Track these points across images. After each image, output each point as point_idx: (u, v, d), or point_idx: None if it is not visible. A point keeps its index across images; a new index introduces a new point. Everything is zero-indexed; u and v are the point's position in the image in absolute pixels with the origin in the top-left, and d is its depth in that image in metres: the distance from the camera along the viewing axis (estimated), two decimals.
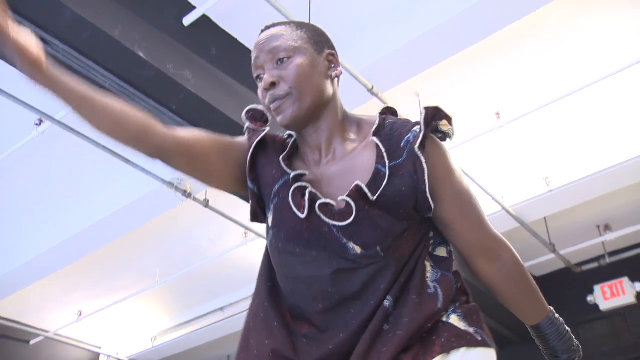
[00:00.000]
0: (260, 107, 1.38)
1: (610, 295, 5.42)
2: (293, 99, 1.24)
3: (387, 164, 1.20)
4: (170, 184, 4.17)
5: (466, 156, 4.38)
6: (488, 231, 1.29)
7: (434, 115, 1.23)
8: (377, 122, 1.28)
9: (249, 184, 1.32)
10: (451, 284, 1.24)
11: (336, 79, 1.33)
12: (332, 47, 1.34)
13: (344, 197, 1.19)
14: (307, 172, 1.27)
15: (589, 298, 5.53)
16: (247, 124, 1.40)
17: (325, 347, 1.20)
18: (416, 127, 1.23)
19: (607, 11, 3.59)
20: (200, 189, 4.34)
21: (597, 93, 4.05)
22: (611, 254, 5.76)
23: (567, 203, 4.84)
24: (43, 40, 2.61)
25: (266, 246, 1.33)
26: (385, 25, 3.38)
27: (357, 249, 1.19)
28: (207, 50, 3.24)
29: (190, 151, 1.28)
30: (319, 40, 1.31)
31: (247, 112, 1.40)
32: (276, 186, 1.28)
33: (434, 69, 3.55)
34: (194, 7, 3.22)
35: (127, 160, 3.91)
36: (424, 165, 1.19)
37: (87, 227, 4.55)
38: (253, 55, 1.30)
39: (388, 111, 1.36)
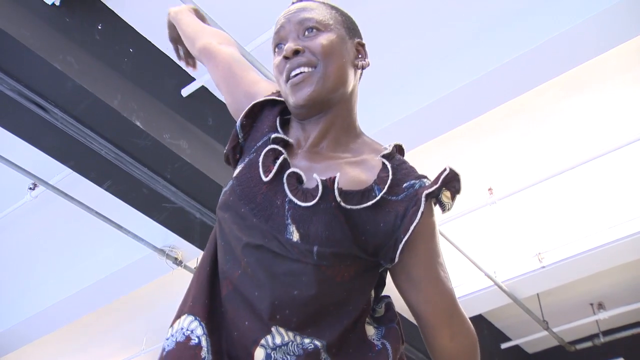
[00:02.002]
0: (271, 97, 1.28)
1: None
2: (318, 75, 1.14)
3: (383, 190, 1.08)
4: (161, 251, 4.14)
5: (459, 231, 4.37)
6: (456, 301, 1.16)
7: (450, 181, 1.11)
8: (390, 150, 1.17)
9: (238, 127, 1.23)
10: (398, 335, 1.15)
11: (360, 71, 1.25)
12: (362, 38, 1.26)
13: (319, 178, 1.06)
14: (292, 141, 1.17)
15: None
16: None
17: (232, 332, 1.09)
18: (425, 180, 1.11)
19: (595, 92, 3.67)
20: (192, 257, 4.31)
21: (591, 171, 4.10)
22: (606, 333, 5.69)
23: (561, 280, 4.81)
24: (42, 108, 2.65)
25: None
26: (378, 103, 3.44)
27: (295, 236, 1.05)
28: (204, 121, 3.29)
29: (212, 65, 1.44)
30: (351, 27, 1.24)
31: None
32: (260, 142, 1.19)
33: (427, 145, 3.60)
34: (193, 79, 3.29)
35: (119, 227, 3.89)
36: (419, 215, 1.05)
37: (76, 293, 4.48)
38: (277, 25, 1.21)
39: (397, 149, 1.23)
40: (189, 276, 4.31)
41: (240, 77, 1.36)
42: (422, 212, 1.05)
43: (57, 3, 2.78)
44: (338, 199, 1.05)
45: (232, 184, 1.16)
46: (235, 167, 1.24)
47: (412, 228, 1.05)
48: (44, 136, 2.83)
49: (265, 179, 1.10)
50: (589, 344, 5.75)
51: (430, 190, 1.07)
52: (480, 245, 4.64)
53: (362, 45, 1.25)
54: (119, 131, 2.84)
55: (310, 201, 1.06)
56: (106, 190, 3.16)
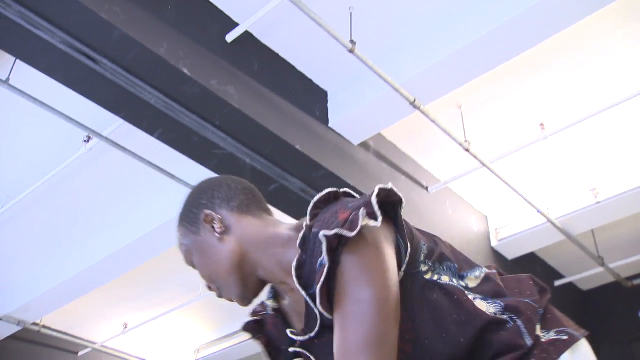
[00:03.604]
0: (253, 319, 1.30)
1: None
2: (228, 292, 1.22)
3: (304, 294, 1.06)
4: None
5: (510, 168, 4.31)
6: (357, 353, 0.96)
7: (342, 237, 1.00)
8: (302, 234, 1.08)
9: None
10: (528, 305, 1.07)
11: (224, 231, 1.19)
12: (203, 205, 1.22)
13: (294, 349, 1.15)
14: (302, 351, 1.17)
15: None
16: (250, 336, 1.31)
17: None
18: (323, 251, 1.00)
19: None
20: None
21: None
22: None
23: (616, 215, 4.71)
24: (92, 59, 2.69)
25: None
26: (427, 39, 3.37)
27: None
28: (249, 66, 3.29)
29: None
30: (191, 220, 1.23)
31: (246, 329, 1.31)
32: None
33: (477, 81, 3.53)
34: (236, 24, 3.27)
35: (172, 176, 3.97)
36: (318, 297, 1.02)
37: (133, 241, 4.62)
38: None
39: (330, 196, 1.15)
40: None
41: None
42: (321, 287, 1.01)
43: None
44: (305, 338, 1.11)
45: None
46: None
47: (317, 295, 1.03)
48: (96, 88, 2.88)
49: None
50: None
51: (320, 285, 1.00)
52: (533, 182, 4.57)
53: (207, 215, 1.21)
54: (167, 79, 2.87)
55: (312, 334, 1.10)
56: (157, 139, 3.22)
